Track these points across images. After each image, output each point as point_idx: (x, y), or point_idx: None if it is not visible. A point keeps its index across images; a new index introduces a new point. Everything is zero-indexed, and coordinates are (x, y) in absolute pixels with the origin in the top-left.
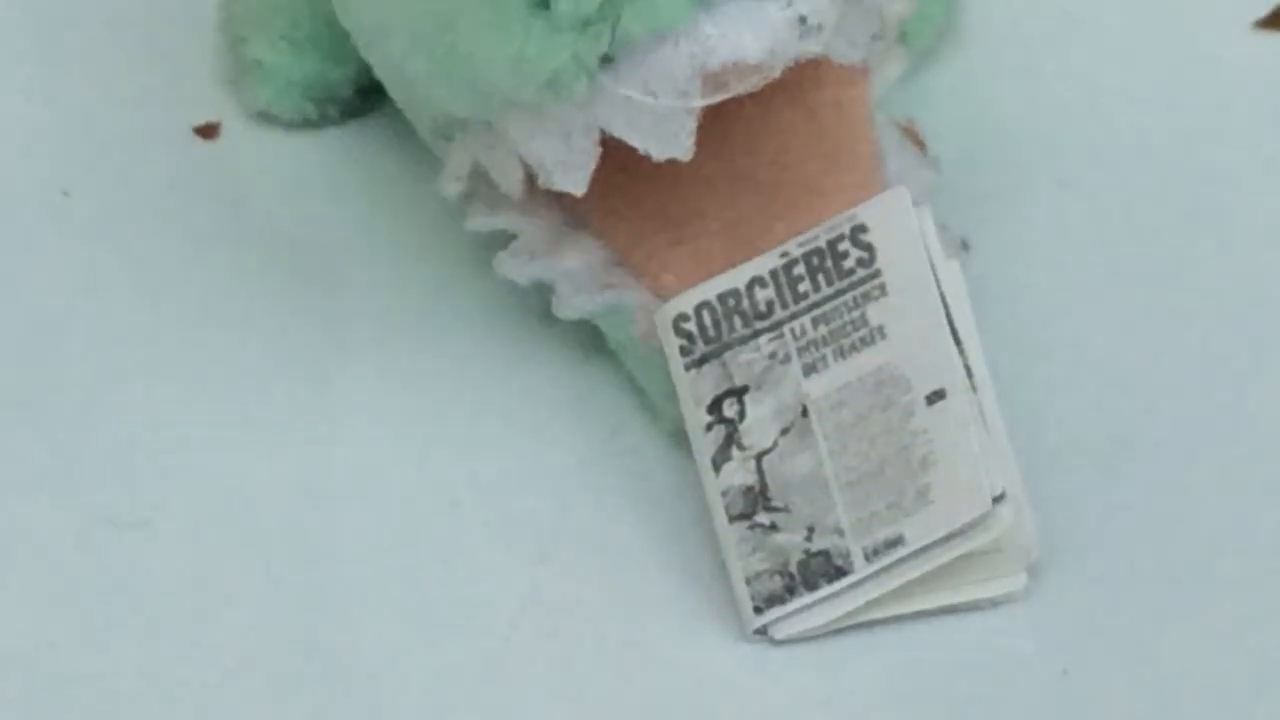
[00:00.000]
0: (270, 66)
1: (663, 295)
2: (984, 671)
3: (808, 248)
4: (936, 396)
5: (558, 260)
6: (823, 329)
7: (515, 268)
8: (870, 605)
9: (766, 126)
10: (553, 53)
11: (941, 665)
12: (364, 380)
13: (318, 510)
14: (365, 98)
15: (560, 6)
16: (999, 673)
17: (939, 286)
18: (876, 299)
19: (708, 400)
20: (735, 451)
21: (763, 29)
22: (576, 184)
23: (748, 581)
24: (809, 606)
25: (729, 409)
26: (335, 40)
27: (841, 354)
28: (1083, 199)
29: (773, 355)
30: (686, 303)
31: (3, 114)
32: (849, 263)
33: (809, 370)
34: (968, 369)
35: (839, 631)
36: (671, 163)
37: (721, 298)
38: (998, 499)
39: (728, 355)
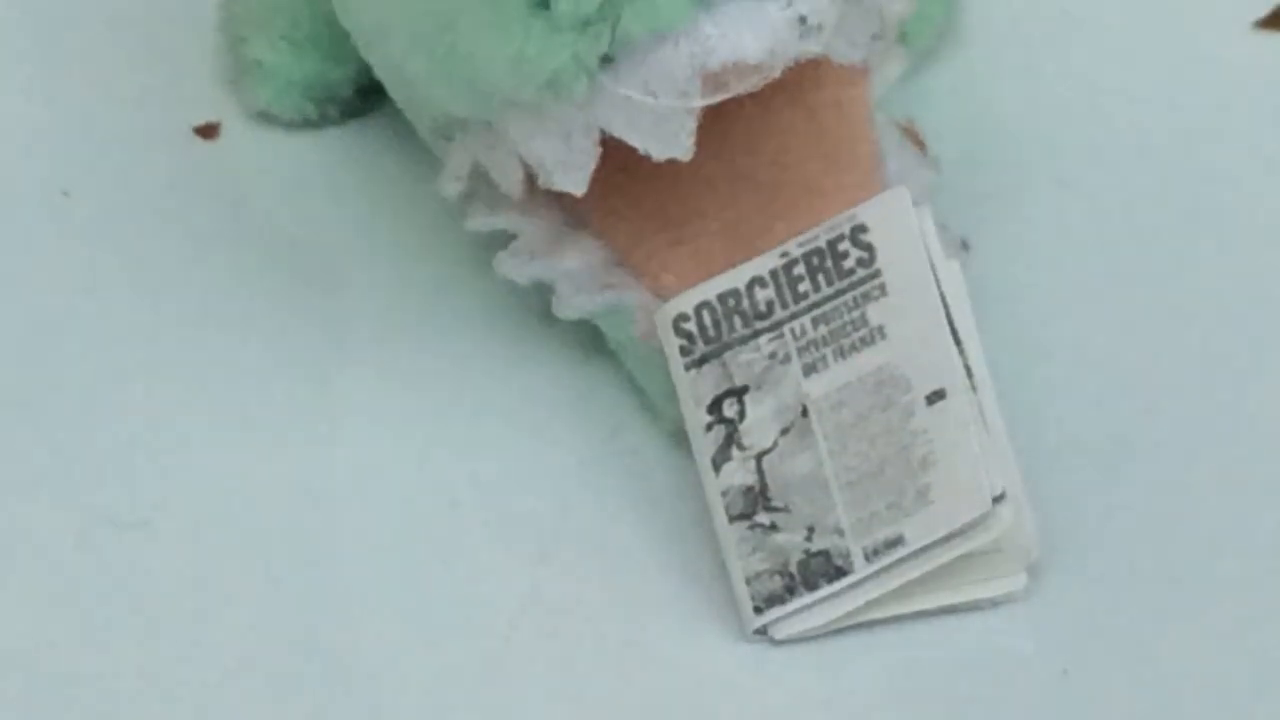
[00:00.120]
0: (270, 66)
1: (663, 295)
2: (984, 671)
3: (808, 248)
4: (936, 396)
5: (558, 260)
6: (823, 329)
7: (515, 268)
8: (870, 605)
9: (766, 126)
10: (553, 53)
11: (941, 665)
12: (364, 380)
13: (318, 510)
14: (365, 98)
15: (560, 6)
16: (999, 673)
17: (939, 286)
18: (876, 299)
19: (708, 400)
20: (735, 451)
21: (763, 29)
22: (576, 184)
23: (748, 581)
24: (809, 606)
25: (729, 409)
26: (335, 40)
27: (841, 354)
28: (1083, 199)
29: (773, 355)
30: (686, 303)
31: (3, 114)
32: (849, 263)
33: (809, 370)
34: (968, 369)
35: (839, 631)
36: (671, 163)
37: (721, 298)
38: (998, 499)
39: (728, 355)
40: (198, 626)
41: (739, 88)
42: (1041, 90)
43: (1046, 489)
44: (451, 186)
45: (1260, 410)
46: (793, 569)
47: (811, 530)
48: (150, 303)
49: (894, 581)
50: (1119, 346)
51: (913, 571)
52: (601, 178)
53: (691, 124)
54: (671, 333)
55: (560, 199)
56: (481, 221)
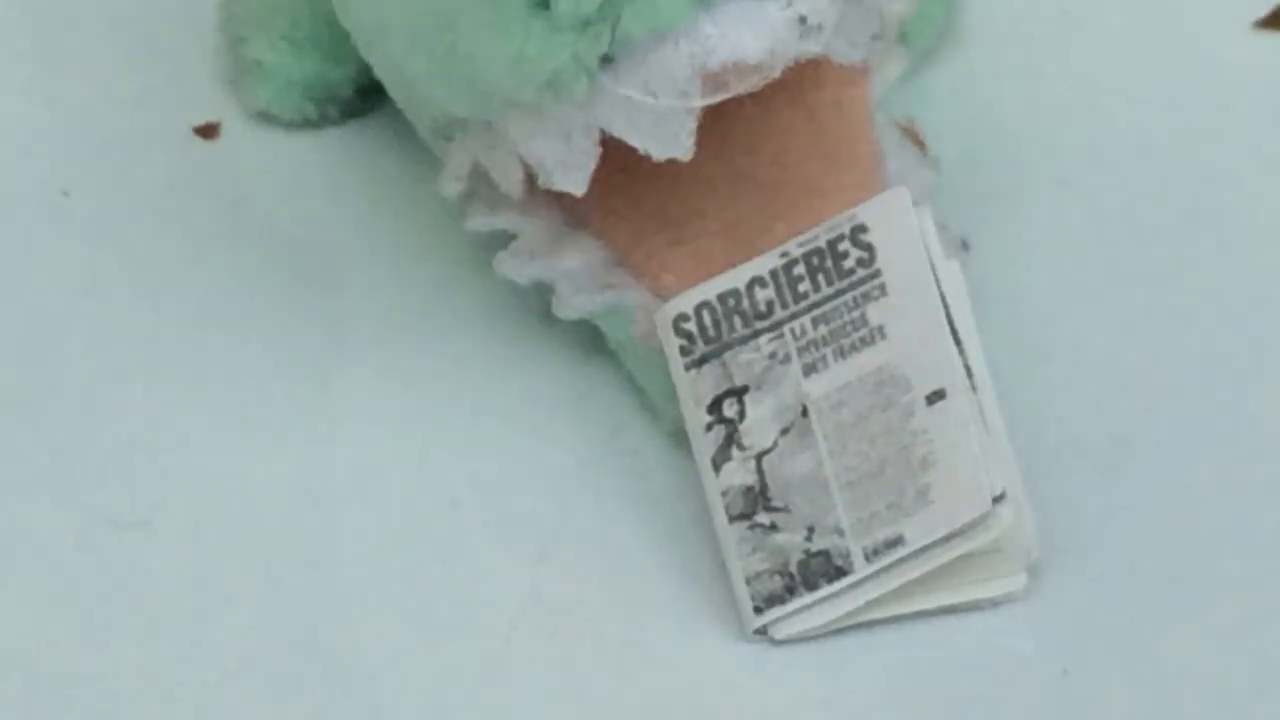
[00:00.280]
0: (270, 66)
1: (663, 295)
2: (984, 671)
3: (808, 248)
4: (936, 396)
5: (558, 260)
6: (823, 329)
7: (515, 268)
8: (870, 605)
9: (766, 126)
10: (553, 53)
11: (941, 665)
12: (364, 380)
13: (318, 510)
14: (365, 98)
15: (560, 6)
16: (999, 673)
17: (939, 286)
18: (876, 299)
19: (708, 400)
20: (735, 451)
21: (763, 29)
22: (576, 184)
23: (748, 581)
24: (809, 606)
25: (729, 409)
26: (335, 40)
27: (841, 354)
28: (1083, 199)
29: (773, 355)
30: (686, 303)
31: (3, 114)
32: (849, 263)
33: (809, 370)
34: (968, 369)
35: (839, 631)
36: (671, 163)
37: (721, 298)
38: (998, 499)
39: (728, 355)
40: (198, 626)
41: (739, 88)
42: (1041, 90)
43: (1046, 489)
44: (451, 186)
45: (1260, 410)
46: (793, 569)
47: (811, 530)
48: (150, 303)
49: (894, 581)
50: (1119, 346)
51: (913, 571)
52: (601, 178)
53: (691, 124)
54: (671, 333)
55: (560, 199)
56: (481, 221)
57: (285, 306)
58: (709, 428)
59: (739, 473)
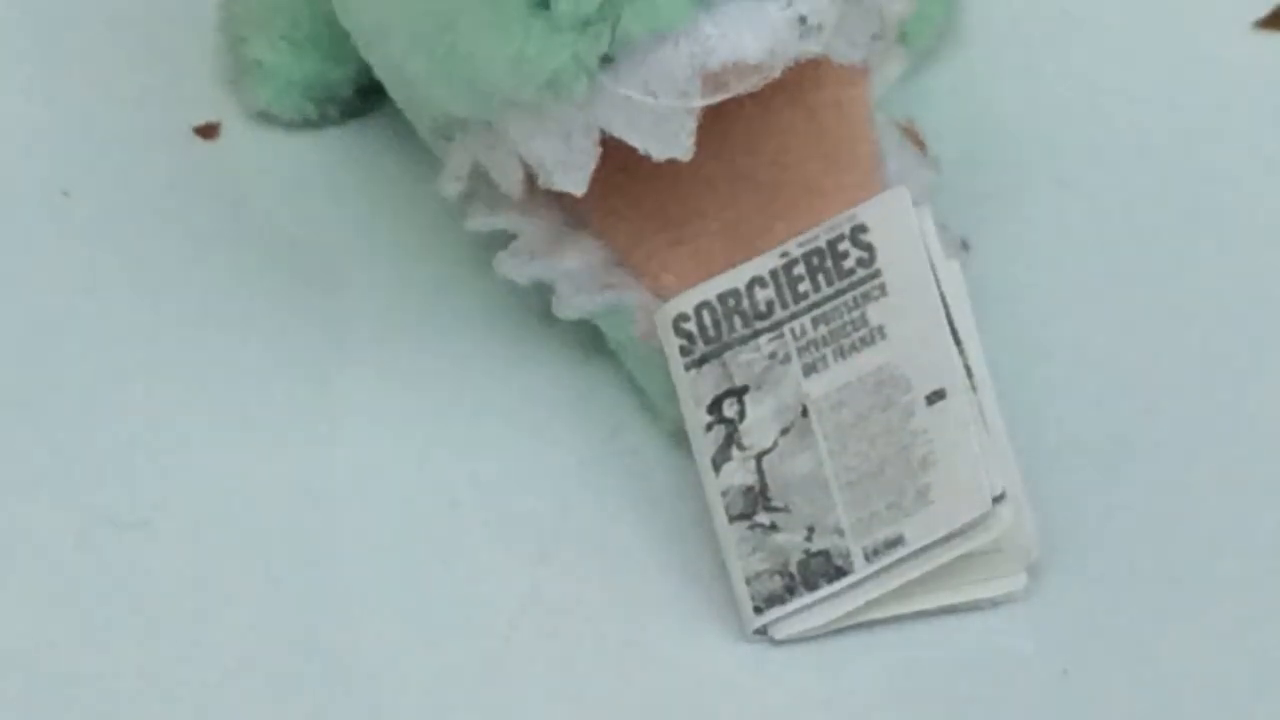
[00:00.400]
0: (270, 66)
1: (663, 295)
2: (984, 671)
3: (808, 248)
4: (936, 396)
5: (558, 260)
6: (823, 329)
7: (515, 268)
8: (870, 605)
9: (766, 126)
10: (553, 53)
11: (941, 665)
12: (364, 380)
13: (318, 510)
14: (365, 98)
15: (560, 6)
16: (999, 673)
17: (939, 286)
18: (876, 299)
19: (708, 400)
20: (735, 451)
21: (763, 29)
22: (576, 184)
23: (748, 581)
24: (809, 606)
25: (729, 409)
26: (335, 40)
27: (841, 354)
28: (1083, 199)
29: (773, 355)
30: (686, 303)
31: (3, 114)
32: (849, 263)
33: (809, 370)
34: (968, 369)
35: (839, 631)
36: (671, 163)
37: (721, 298)
38: (998, 499)
39: (728, 355)
40: (198, 626)
41: (739, 88)
42: (1041, 90)
43: (1046, 489)
44: (451, 186)
45: (1260, 410)
46: (793, 569)
47: (811, 530)
48: (150, 303)
49: (894, 581)
50: (1119, 346)
51: (913, 571)
52: (601, 178)
53: (691, 124)
54: (671, 333)
55: (560, 199)
56: (481, 221)
57: (285, 306)
58: (709, 428)
59: (739, 473)
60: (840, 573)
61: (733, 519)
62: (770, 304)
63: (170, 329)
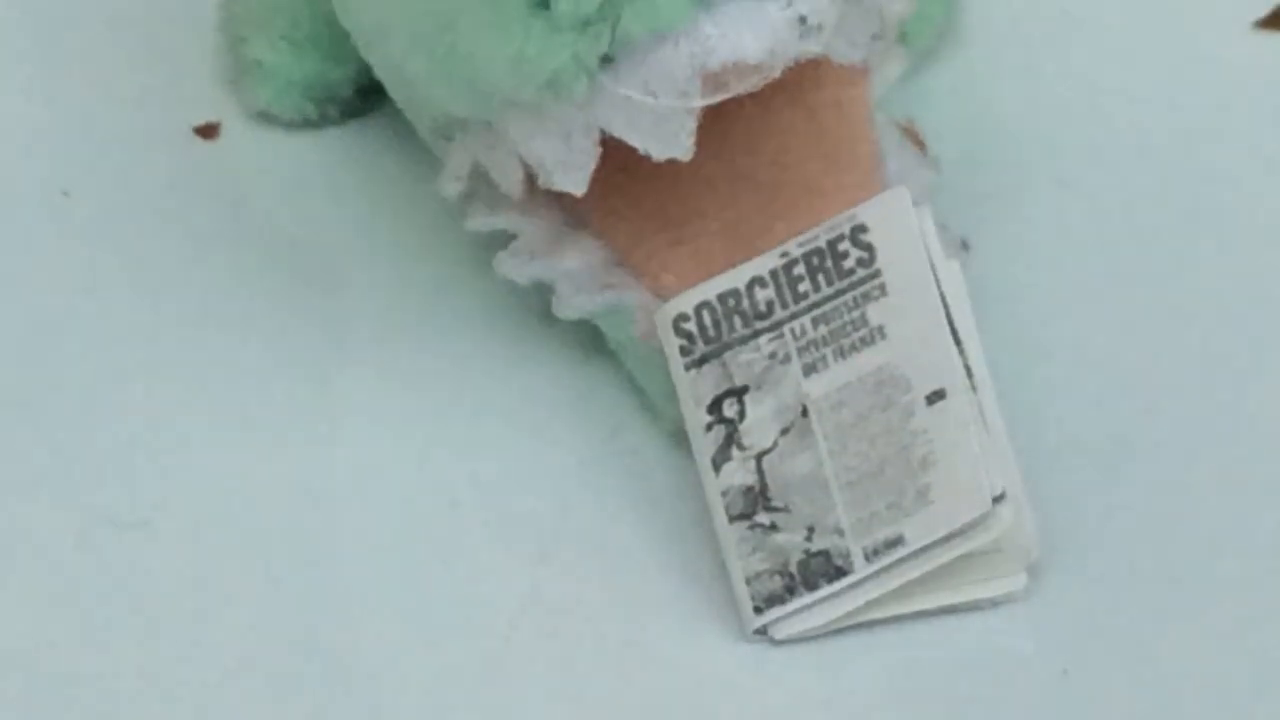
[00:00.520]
0: (270, 66)
1: (663, 295)
2: (984, 671)
3: (808, 248)
4: (936, 396)
5: (558, 260)
6: (823, 329)
7: (515, 268)
8: (870, 605)
9: (766, 126)
10: (553, 53)
11: (941, 665)
12: (364, 380)
13: (318, 510)
14: (365, 98)
15: (560, 6)
16: (999, 673)
17: (939, 286)
18: (876, 299)
19: (708, 400)
20: (735, 451)
21: (763, 29)
22: (576, 184)
23: (748, 581)
24: (809, 606)
25: (729, 409)
26: (335, 40)
27: (841, 354)
28: (1083, 199)
29: (773, 355)
30: (686, 303)
31: (3, 114)
32: (849, 263)
33: (809, 370)
34: (968, 369)
35: (839, 631)
36: (671, 163)
37: (721, 298)
38: (998, 499)
39: (728, 355)
40: (198, 626)
41: (739, 88)
42: (1041, 90)
43: (1046, 489)
44: (451, 186)
45: (1260, 410)
46: (793, 569)
47: (811, 530)
48: (150, 303)
49: (894, 581)
50: (1119, 346)
51: (913, 571)
52: (601, 178)
53: (691, 124)
54: (671, 333)
55: (560, 199)
56: (481, 221)
57: (285, 306)
58: (709, 428)
59: (739, 473)
60: (840, 573)
61: (733, 519)
62: (770, 304)
63: (170, 329)
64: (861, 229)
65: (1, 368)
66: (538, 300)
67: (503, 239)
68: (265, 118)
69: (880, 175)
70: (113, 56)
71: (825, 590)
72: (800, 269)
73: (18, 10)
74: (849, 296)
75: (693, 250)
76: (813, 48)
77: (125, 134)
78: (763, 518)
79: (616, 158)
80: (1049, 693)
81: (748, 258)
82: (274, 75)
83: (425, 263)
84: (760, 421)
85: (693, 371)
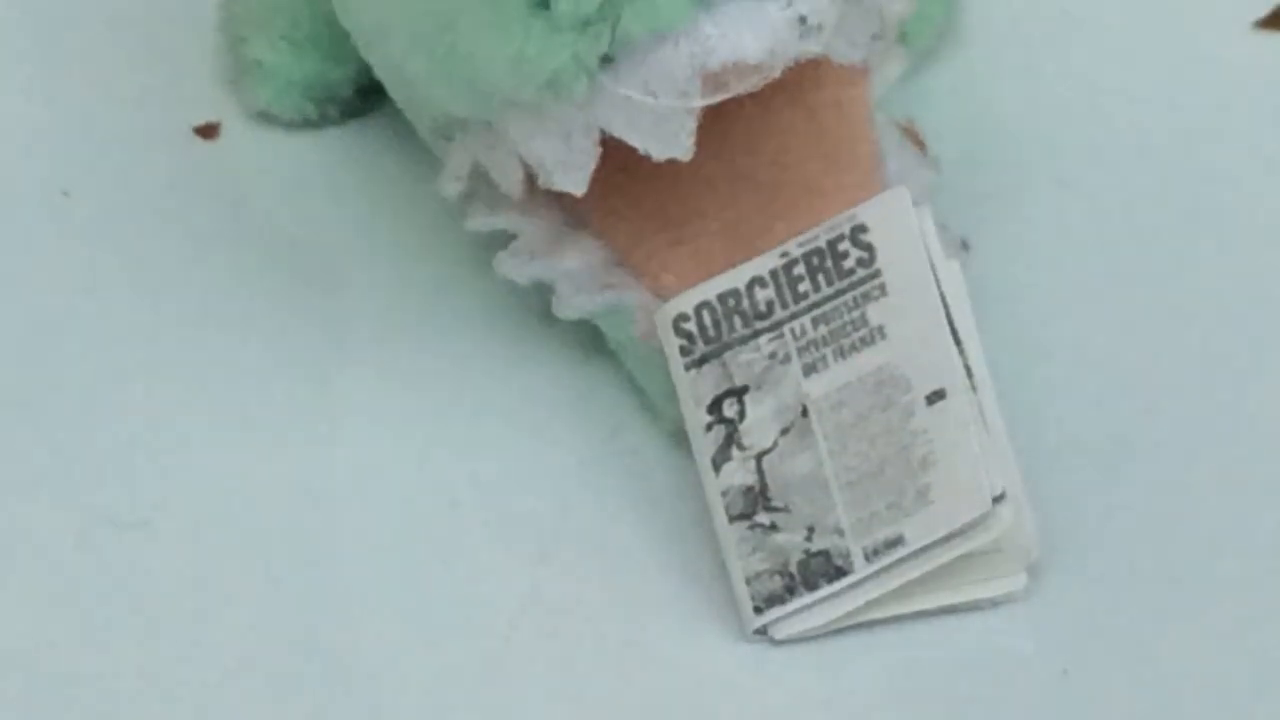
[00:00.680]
0: (270, 66)
1: (663, 295)
2: (984, 671)
3: (808, 248)
4: (936, 396)
5: (558, 260)
6: (823, 329)
7: (515, 268)
8: (870, 605)
9: (766, 126)
10: (553, 53)
11: (941, 665)
12: (364, 380)
13: (318, 510)
14: (365, 98)
15: (560, 6)
16: (999, 673)
17: (939, 286)
18: (876, 299)
19: (708, 400)
20: (735, 451)
21: (763, 29)
22: (576, 184)
23: (748, 581)
24: (809, 606)
25: (729, 409)
26: (335, 40)
27: (841, 354)
28: (1083, 199)
29: (773, 355)
30: (686, 303)
31: (3, 114)
32: (849, 263)
33: (809, 370)
34: (968, 369)
35: (839, 631)
36: (671, 163)
37: (721, 298)
38: (998, 499)
39: (728, 355)
40: (198, 626)
41: (739, 88)
42: (1041, 90)
43: (1046, 489)
44: (451, 186)
45: (1260, 410)
46: (793, 569)
47: (811, 530)
48: (150, 303)
49: (894, 581)
50: (1119, 346)
51: (913, 571)
52: (601, 178)
53: (691, 124)
54: (671, 333)
55: (560, 199)
56: (481, 221)
57: (285, 306)
58: (709, 428)
59: (739, 473)
60: (840, 573)
61: (733, 519)
62: (770, 304)
63: (170, 329)
64: (861, 229)
65: (1, 368)
66: (538, 300)
67: (503, 239)
68: (265, 118)
69: (880, 175)
70: (113, 56)
71: (825, 590)
72: (800, 269)
73: (18, 10)
74: (849, 296)
75: (693, 250)
76: (813, 48)
77: (125, 134)
78: (763, 518)
79: (616, 158)
80: (1049, 693)
81: (748, 258)
82: (274, 75)
83: (425, 263)
84: (760, 421)
85: (693, 371)
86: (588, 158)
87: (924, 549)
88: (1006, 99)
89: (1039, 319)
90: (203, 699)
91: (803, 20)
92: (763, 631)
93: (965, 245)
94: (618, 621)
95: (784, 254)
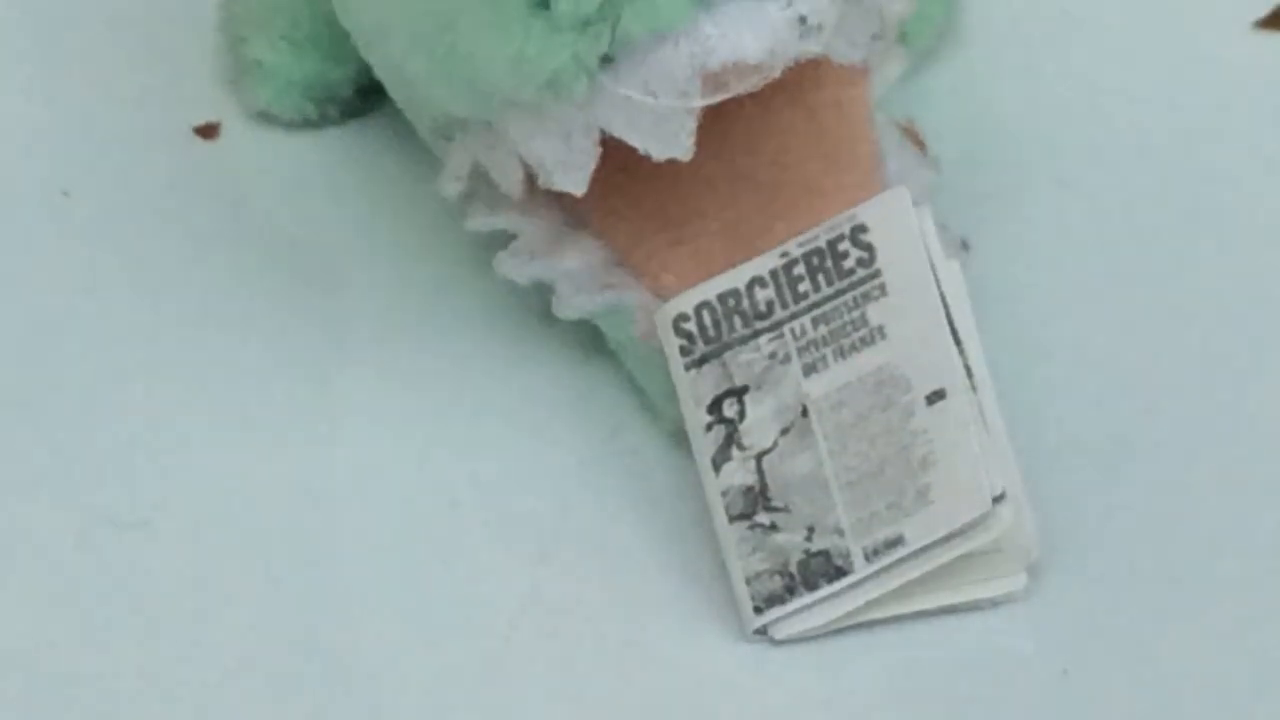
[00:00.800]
0: (270, 66)
1: (663, 295)
2: (984, 671)
3: (808, 248)
4: (936, 396)
5: (558, 260)
6: (823, 329)
7: (515, 268)
8: (870, 605)
9: (766, 126)
10: (553, 53)
11: (941, 665)
12: (364, 380)
13: (318, 510)
14: (365, 98)
15: (560, 6)
16: (999, 673)
17: (939, 286)
18: (876, 299)
19: (708, 400)
20: (735, 451)
21: (763, 29)
22: (576, 184)
23: (748, 581)
24: (809, 606)
25: (729, 409)
26: (335, 40)
27: (841, 354)
28: (1083, 199)
29: (773, 355)
30: (686, 303)
31: (3, 114)
32: (849, 263)
33: (809, 370)
34: (968, 369)
35: (839, 631)
36: (671, 163)
37: (721, 298)
38: (998, 499)
39: (728, 355)
40: (198, 626)
41: (739, 88)
42: (1041, 90)
43: (1046, 489)
44: (451, 186)
45: (1260, 410)
46: (793, 569)
47: (811, 530)
48: (150, 303)
49: (894, 581)
50: (1119, 346)
51: (913, 571)
52: (601, 178)
53: (691, 124)
54: (671, 333)
55: (560, 199)
56: (481, 221)
57: (285, 306)
58: (709, 428)
59: (739, 473)
60: (840, 573)
61: (733, 519)
62: (770, 304)
63: (170, 329)
64: (861, 229)
65: (1, 368)
66: (538, 300)
67: (503, 239)
68: (265, 118)
69: (880, 175)
70: (113, 56)
71: (825, 590)
72: (800, 269)
73: (18, 10)
74: (849, 296)
75: (693, 250)
76: (813, 48)
77: (125, 134)
78: (763, 518)
79: (616, 158)
80: (1049, 693)
81: (748, 258)
82: (274, 75)
83: (425, 263)
84: (760, 421)
85: (693, 371)
86: (588, 158)
87: (924, 549)
88: (1006, 99)
89: (1039, 319)
90: (203, 699)
91: (803, 20)
92: (763, 631)
93: (965, 245)
94: (618, 621)
95: (784, 254)
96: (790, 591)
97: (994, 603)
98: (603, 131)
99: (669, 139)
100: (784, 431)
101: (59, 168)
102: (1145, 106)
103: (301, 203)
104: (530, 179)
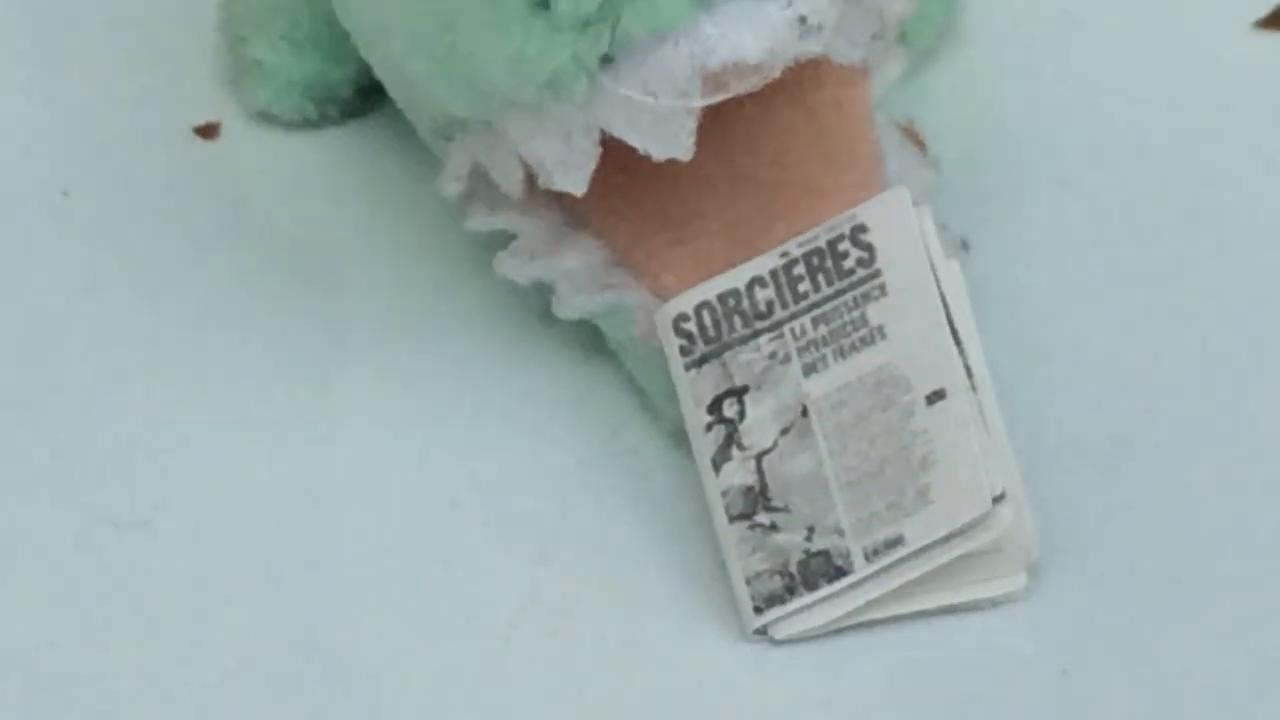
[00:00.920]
0: (270, 66)
1: (663, 295)
2: (984, 671)
3: (808, 248)
4: (936, 396)
5: (558, 260)
6: (823, 329)
7: (515, 268)
8: (870, 605)
9: (766, 126)
10: (553, 53)
11: (941, 665)
12: (364, 380)
13: (318, 510)
14: (365, 98)
15: (560, 6)
16: (999, 673)
17: (939, 286)
18: (876, 299)
19: (708, 400)
20: (735, 451)
21: (763, 29)
22: (576, 184)
23: (748, 581)
24: (809, 606)
25: (729, 409)
26: (335, 40)
27: (841, 354)
28: (1083, 199)
29: (773, 355)
30: (686, 303)
31: (3, 114)
32: (849, 263)
33: (809, 370)
34: (968, 369)
35: (839, 631)
36: (671, 163)
37: (721, 298)
38: (998, 499)
39: (728, 355)
40: (198, 626)
41: (739, 88)
42: (1041, 90)
43: (1046, 489)
44: (451, 186)
45: (1260, 410)
46: (793, 569)
47: (811, 530)
48: (150, 303)
49: (894, 581)
50: (1119, 346)
51: (913, 571)
52: (601, 178)
53: (691, 124)
54: (671, 333)
55: (560, 199)
56: (481, 221)
57: (285, 306)
58: (709, 428)
59: (739, 473)
60: (840, 573)
61: (733, 519)
62: (770, 304)
63: (170, 329)
64: (861, 229)
65: (1, 368)
66: (538, 300)
67: (503, 239)
68: (265, 118)
69: (880, 175)
70: (113, 56)
71: (825, 590)
72: (800, 269)
73: (18, 10)
74: (849, 296)
75: (693, 250)
76: (813, 48)
77: (125, 134)
78: (763, 518)
79: (616, 158)
80: (1049, 693)
81: (748, 258)
82: (274, 75)
83: (425, 263)
84: (760, 421)
85: (693, 371)
86: (588, 158)
87: (924, 549)
88: (1006, 99)
89: (1039, 319)
90: (203, 699)
91: (803, 20)
92: (763, 631)
93: (965, 245)
94: (618, 621)
95: (784, 254)
96: (790, 591)
97: (994, 603)
98: (603, 131)
99: (669, 139)
100: (784, 431)
101: (59, 168)
102: (1145, 106)
103: (301, 203)
104: (530, 179)
